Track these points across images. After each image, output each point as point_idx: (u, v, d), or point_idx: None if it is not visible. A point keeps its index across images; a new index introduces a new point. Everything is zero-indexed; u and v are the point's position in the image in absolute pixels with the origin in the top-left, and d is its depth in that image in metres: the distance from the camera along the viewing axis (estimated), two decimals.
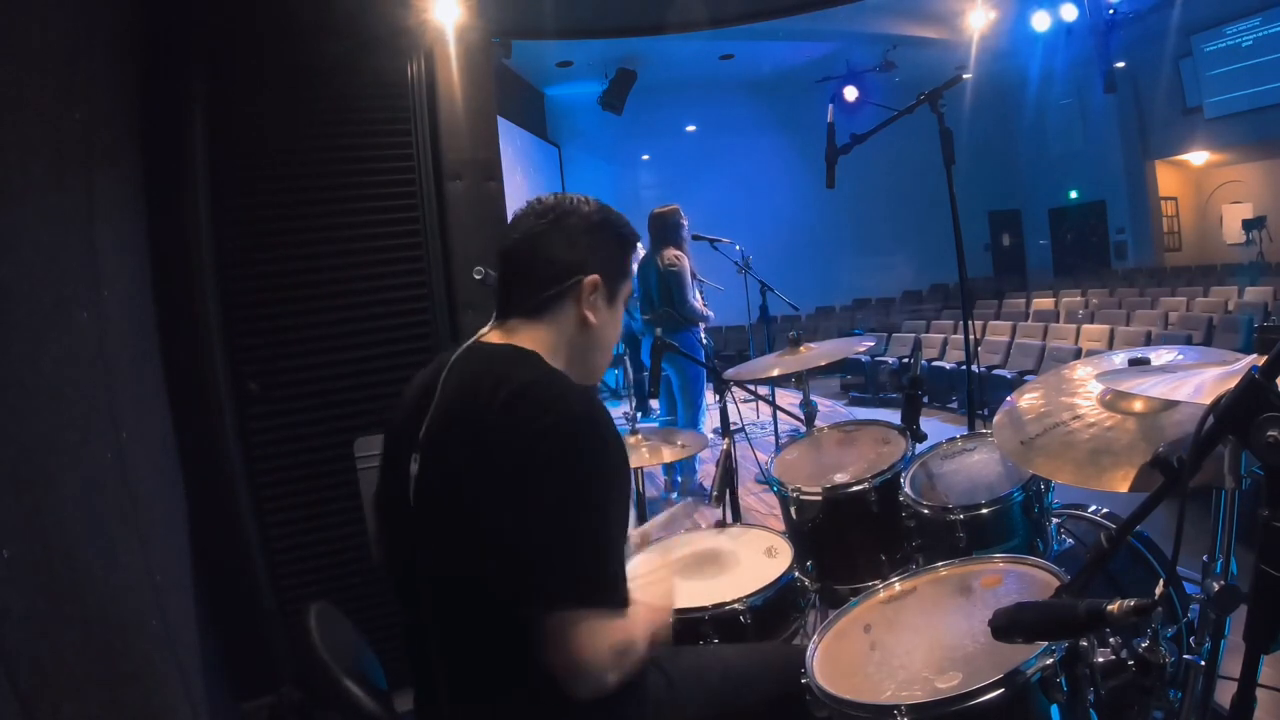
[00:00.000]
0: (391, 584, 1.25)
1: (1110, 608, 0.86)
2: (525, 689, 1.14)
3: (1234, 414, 0.83)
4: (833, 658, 1.26)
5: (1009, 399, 1.49)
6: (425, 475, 1.14)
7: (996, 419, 1.45)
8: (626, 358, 7.96)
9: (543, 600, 1.05)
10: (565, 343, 1.25)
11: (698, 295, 4.80)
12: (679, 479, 4.94)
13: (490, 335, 1.26)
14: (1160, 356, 1.40)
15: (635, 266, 5.79)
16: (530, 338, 1.23)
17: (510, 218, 1.30)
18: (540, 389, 1.12)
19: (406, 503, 1.15)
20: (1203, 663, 1.11)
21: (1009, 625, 0.94)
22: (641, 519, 2.67)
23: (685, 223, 4.76)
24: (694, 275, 4.71)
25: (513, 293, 1.26)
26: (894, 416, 2.23)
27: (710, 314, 4.79)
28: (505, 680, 1.14)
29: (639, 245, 1.34)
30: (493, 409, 1.11)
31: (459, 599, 1.14)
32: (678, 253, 4.64)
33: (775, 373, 2.39)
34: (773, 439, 5.42)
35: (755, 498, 4.68)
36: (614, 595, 1.08)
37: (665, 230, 4.72)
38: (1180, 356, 1.40)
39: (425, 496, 1.14)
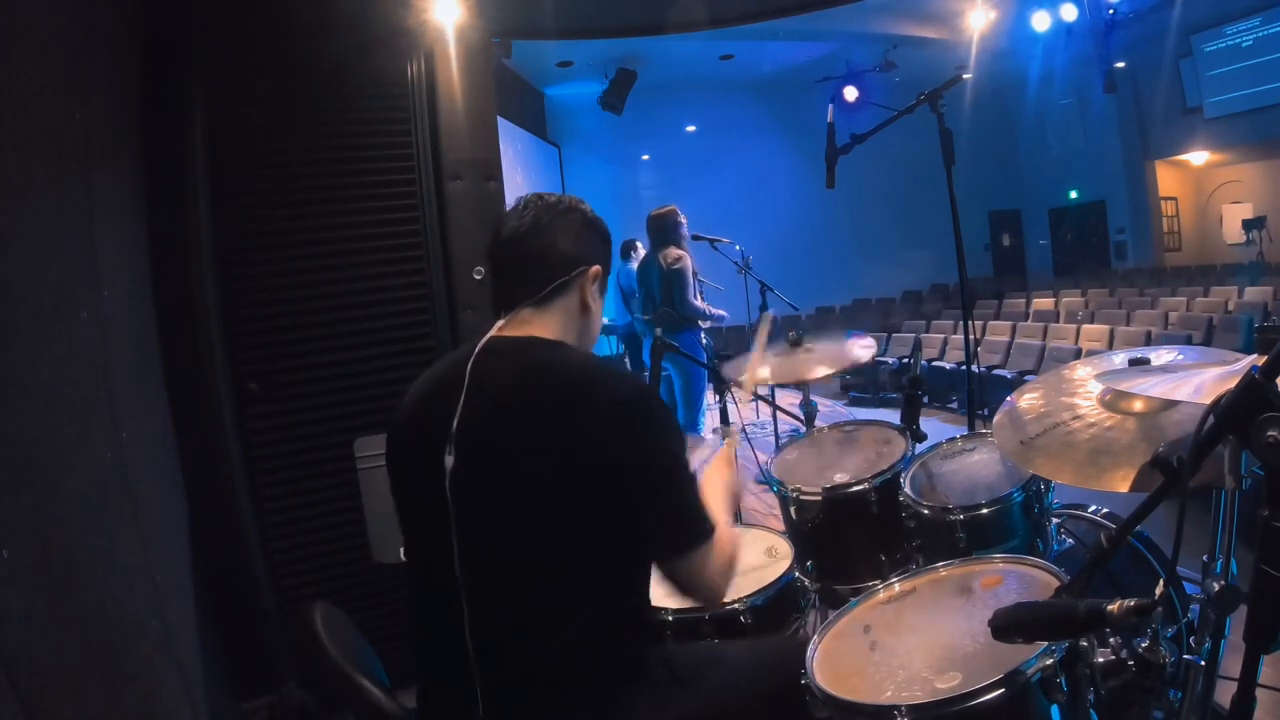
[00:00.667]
0: (413, 579, 1.29)
1: (1110, 608, 0.86)
2: (555, 676, 1.16)
3: (1234, 414, 0.83)
4: (833, 658, 1.26)
5: (1009, 399, 1.49)
6: (466, 467, 1.19)
7: (996, 419, 1.45)
8: (627, 358, 7.98)
9: (670, 553, 1.22)
10: (572, 329, 1.33)
11: (699, 295, 4.80)
12: None
13: (506, 329, 1.30)
14: (1160, 356, 1.40)
15: (635, 267, 5.80)
16: (543, 327, 1.29)
17: (509, 211, 1.37)
18: (594, 370, 1.23)
19: (439, 498, 1.19)
20: (1203, 663, 1.11)
21: (1009, 625, 0.94)
22: None
23: (684, 222, 4.76)
24: (695, 275, 4.70)
25: (518, 280, 1.32)
26: (894, 416, 2.22)
27: (721, 313, 4.78)
28: (537, 668, 1.16)
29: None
30: (547, 399, 1.18)
31: (497, 585, 1.17)
32: (680, 252, 4.64)
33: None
34: (773, 439, 5.42)
35: (755, 498, 4.67)
36: (710, 527, 1.23)
37: (665, 230, 4.71)
38: (1180, 356, 1.40)
39: (467, 487, 1.18)
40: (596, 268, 1.34)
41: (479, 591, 1.17)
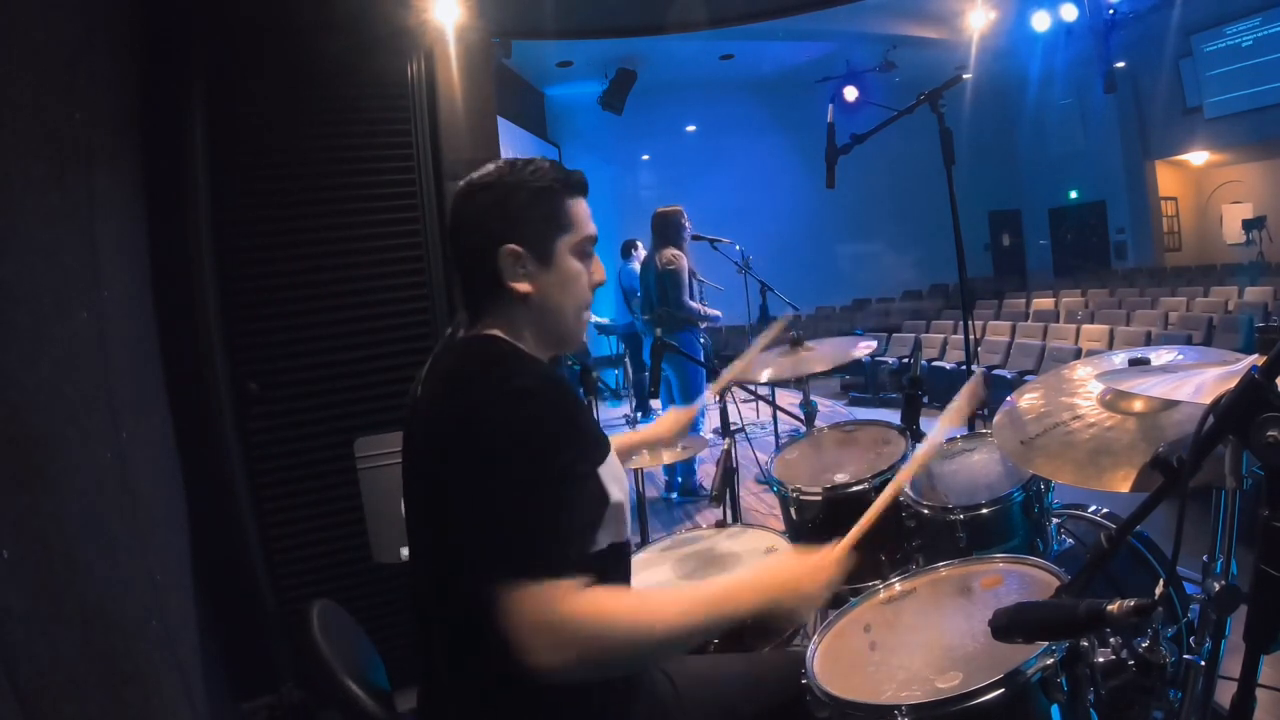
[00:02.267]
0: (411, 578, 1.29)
1: (1110, 608, 0.86)
2: (540, 686, 1.14)
3: (1234, 414, 0.83)
4: (833, 658, 1.26)
5: (1009, 399, 1.49)
6: (408, 479, 1.21)
7: (996, 419, 1.45)
8: (627, 358, 7.98)
9: (476, 573, 1.03)
10: (520, 319, 1.21)
11: (700, 296, 4.82)
12: (679, 479, 4.94)
13: (462, 331, 1.27)
14: (1160, 356, 1.40)
15: (636, 266, 5.78)
16: (495, 323, 1.22)
17: None
18: (478, 369, 1.14)
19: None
20: (1203, 663, 1.11)
21: (1009, 625, 0.94)
22: (643, 519, 2.67)
23: (687, 224, 4.76)
24: (693, 275, 4.71)
25: (463, 292, 1.27)
26: (894, 416, 2.22)
27: (717, 313, 4.80)
28: (518, 678, 1.14)
29: (572, 184, 1.24)
30: (448, 399, 1.15)
31: (445, 588, 1.16)
32: (676, 252, 4.65)
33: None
34: (773, 439, 5.42)
35: (755, 498, 4.68)
36: (547, 563, 1.01)
37: (666, 229, 4.73)
38: (1180, 356, 1.40)
39: (410, 500, 1.20)
40: (510, 247, 1.17)
41: (445, 603, 1.15)
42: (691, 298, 4.65)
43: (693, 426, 4.64)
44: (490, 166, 1.24)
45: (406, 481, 1.22)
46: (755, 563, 1.16)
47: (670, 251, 4.65)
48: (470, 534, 1.05)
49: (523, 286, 1.19)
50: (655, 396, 3.44)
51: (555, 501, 1.04)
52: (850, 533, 1.30)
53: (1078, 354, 6.71)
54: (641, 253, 6.88)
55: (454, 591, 1.12)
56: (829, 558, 1.21)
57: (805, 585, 1.17)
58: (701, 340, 4.85)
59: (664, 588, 1.16)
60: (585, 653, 1.00)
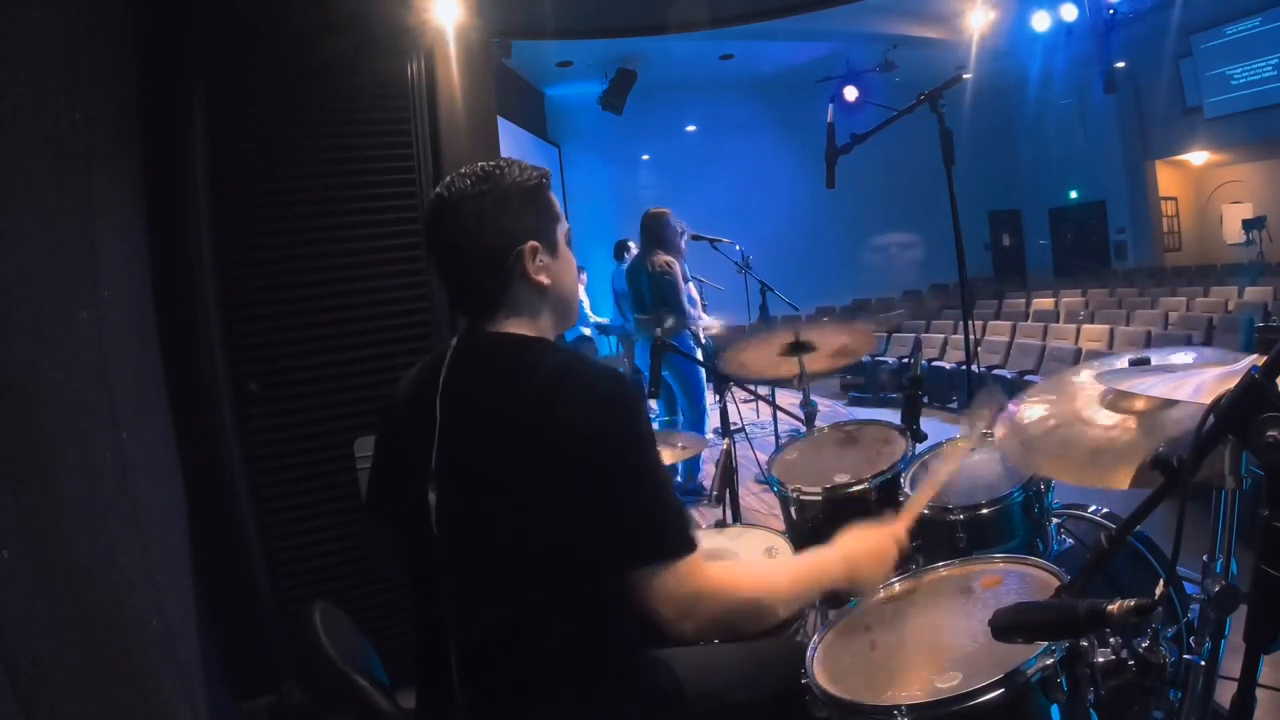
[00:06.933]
0: (409, 578, 1.27)
1: (1110, 608, 0.86)
2: (544, 684, 1.16)
3: (1234, 414, 0.83)
4: (833, 658, 1.26)
5: (1010, 408, 1.48)
6: (450, 499, 1.16)
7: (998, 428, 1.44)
8: (626, 359, 7.97)
9: (627, 562, 1.12)
10: (539, 310, 1.27)
11: (695, 296, 4.82)
12: (679, 479, 4.95)
13: (479, 328, 1.26)
14: (1175, 357, 1.39)
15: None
16: (513, 322, 1.24)
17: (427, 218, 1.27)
18: (569, 369, 1.17)
19: (426, 527, 1.17)
20: (1203, 663, 1.11)
21: (1009, 625, 0.94)
22: None
23: (677, 226, 4.74)
24: (685, 279, 4.71)
25: (464, 297, 1.26)
26: (894, 416, 2.22)
27: (703, 317, 4.81)
28: (523, 677, 1.16)
29: (548, 179, 1.30)
30: (522, 403, 1.14)
31: (484, 594, 1.16)
32: (669, 258, 4.63)
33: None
34: (773, 439, 5.42)
35: (755, 498, 4.68)
36: (679, 544, 1.13)
37: (655, 231, 4.72)
38: (1194, 357, 1.40)
39: (453, 518, 1.16)
40: (531, 244, 1.22)
41: (464, 604, 1.16)
42: (688, 303, 4.65)
43: (698, 426, 4.66)
44: (467, 177, 1.23)
45: (451, 486, 1.17)
46: (841, 537, 1.32)
47: (664, 258, 4.63)
48: (613, 527, 1.12)
49: (544, 279, 1.24)
50: (655, 396, 3.44)
51: (671, 486, 1.19)
52: (908, 509, 1.45)
53: (1078, 354, 6.71)
54: (635, 251, 6.89)
55: (539, 585, 1.14)
56: (895, 532, 1.36)
57: (883, 557, 1.33)
58: (703, 340, 4.85)
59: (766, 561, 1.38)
60: (717, 618, 1.15)
